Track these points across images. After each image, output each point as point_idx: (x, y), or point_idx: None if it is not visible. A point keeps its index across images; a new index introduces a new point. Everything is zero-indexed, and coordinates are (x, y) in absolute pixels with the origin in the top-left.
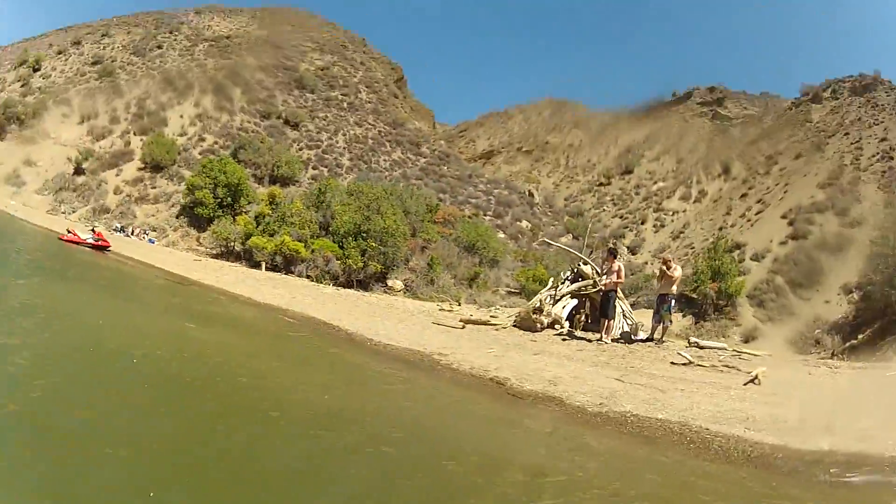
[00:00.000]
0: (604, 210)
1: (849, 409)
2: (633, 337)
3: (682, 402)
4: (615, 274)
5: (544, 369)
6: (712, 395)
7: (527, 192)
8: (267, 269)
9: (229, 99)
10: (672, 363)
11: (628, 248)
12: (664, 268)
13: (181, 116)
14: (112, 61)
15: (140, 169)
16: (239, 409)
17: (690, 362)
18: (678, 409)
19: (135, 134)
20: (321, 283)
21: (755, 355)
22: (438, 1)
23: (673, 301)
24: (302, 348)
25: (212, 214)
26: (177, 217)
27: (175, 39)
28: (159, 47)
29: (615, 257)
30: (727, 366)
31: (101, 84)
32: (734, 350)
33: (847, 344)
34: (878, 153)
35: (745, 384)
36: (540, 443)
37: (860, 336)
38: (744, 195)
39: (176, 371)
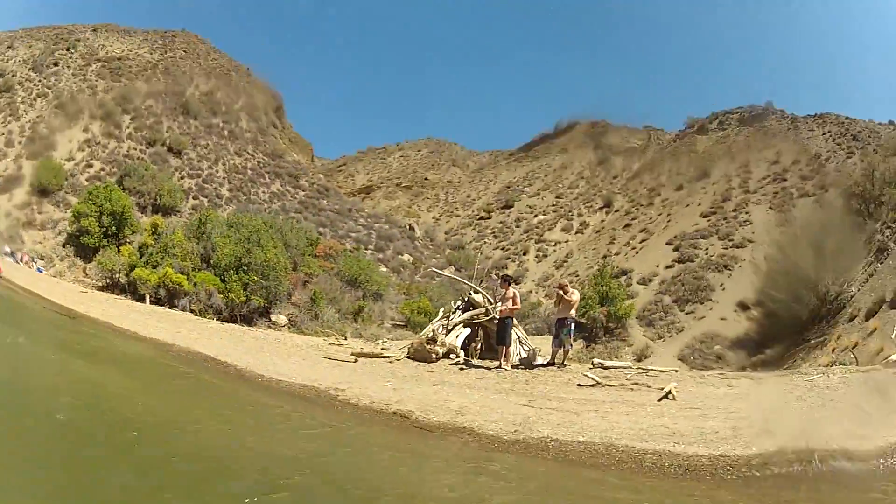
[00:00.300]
0: (485, 242)
1: (780, 414)
2: (532, 363)
3: (600, 423)
4: (510, 300)
5: (448, 399)
6: (628, 413)
7: (407, 227)
8: (151, 302)
9: (118, 125)
10: (579, 385)
11: (511, 277)
12: (561, 292)
13: (70, 141)
14: (12, 76)
15: (28, 192)
16: (136, 464)
17: (598, 383)
18: (598, 430)
19: (26, 158)
20: (205, 317)
21: (661, 371)
22: (315, 37)
23: (573, 325)
24: (193, 387)
25: (97, 244)
26: (63, 246)
27: (71, 57)
28: (56, 64)
29: (510, 284)
30: (636, 383)
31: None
32: (639, 368)
33: (755, 357)
34: (768, 175)
35: (659, 400)
36: (460, 475)
37: (768, 351)
38: (627, 226)
39: (64, 416)
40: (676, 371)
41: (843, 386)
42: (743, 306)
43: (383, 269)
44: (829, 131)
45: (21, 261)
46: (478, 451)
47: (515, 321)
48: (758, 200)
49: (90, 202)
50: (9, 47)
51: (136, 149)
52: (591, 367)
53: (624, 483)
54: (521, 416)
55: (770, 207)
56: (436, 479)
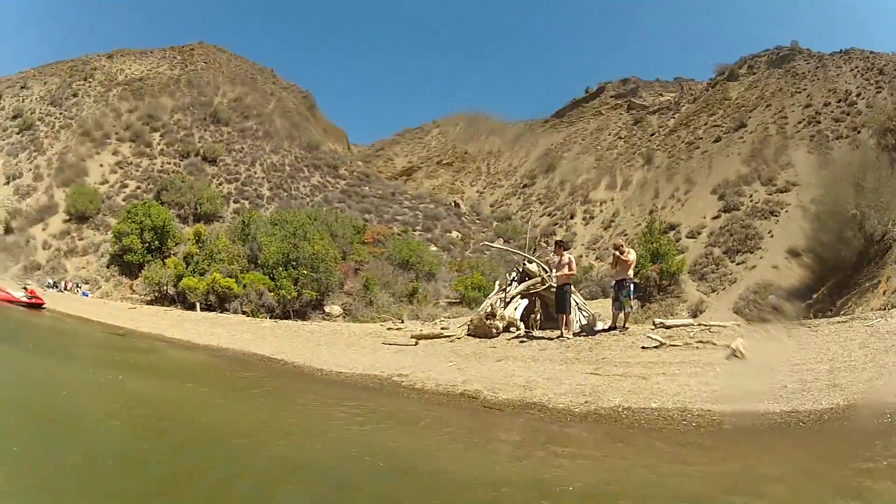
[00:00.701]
0: (531, 210)
1: (845, 364)
2: (594, 328)
3: (671, 387)
4: (566, 266)
5: (514, 375)
6: (697, 374)
7: (453, 204)
8: (202, 309)
9: (148, 143)
10: (643, 348)
11: (565, 243)
12: (617, 253)
13: (101, 165)
14: (31, 113)
15: (65, 221)
16: (216, 488)
17: (662, 344)
18: (669, 394)
19: (57, 187)
20: (258, 317)
21: (724, 326)
22: (339, 25)
23: (632, 286)
24: (253, 389)
25: (141, 260)
26: (107, 267)
27: (89, 86)
28: (75, 95)
29: (564, 249)
30: (701, 341)
31: (21, 138)
32: (701, 324)
33: (808, 305)
34: (803, 119)
35: (727, 358)
36: (550, 458)
37: (815, 295)
38: (670, 176)
39: (122, 442)
40: (739, 325)
41: None
42: (793, 253)
43: (433, 248)
44: (856, 67)
45: (65, 289)
46: (552, 426)
47: (573, 287)
48: (796, 145)
49: (130, 220)
50: (22, 87)
51: (169, 163)
52: (654, 327)
53: (707, 445)
54: (589, 386)
55: (808, 151)
56: (534, 465)
